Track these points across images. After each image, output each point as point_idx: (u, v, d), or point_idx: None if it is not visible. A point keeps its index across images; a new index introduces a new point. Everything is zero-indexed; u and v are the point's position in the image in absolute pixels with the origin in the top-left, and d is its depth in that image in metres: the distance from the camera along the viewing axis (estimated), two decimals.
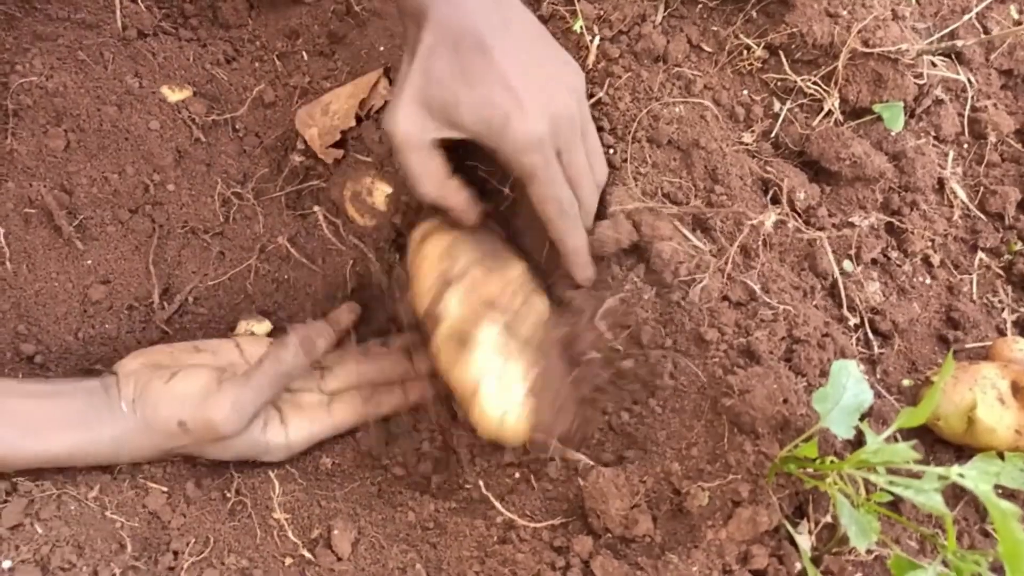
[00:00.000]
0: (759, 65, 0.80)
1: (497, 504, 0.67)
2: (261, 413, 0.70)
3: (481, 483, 0.69)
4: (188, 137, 0.82)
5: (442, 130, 0.65)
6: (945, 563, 0.54)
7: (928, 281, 0.77)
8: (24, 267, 0.77)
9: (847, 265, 0.75)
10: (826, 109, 0.79)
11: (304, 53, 0.89)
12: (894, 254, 0.76)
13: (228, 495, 0.70)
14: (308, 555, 0.66)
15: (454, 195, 0.69)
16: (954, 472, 0.49)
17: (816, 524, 0.61)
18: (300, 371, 0.72)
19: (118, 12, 0.83)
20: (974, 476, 0.49)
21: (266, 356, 0.70)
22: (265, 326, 0.83)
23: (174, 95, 0.83)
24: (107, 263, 0.79)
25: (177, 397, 0.67)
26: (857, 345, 0.71)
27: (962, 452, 0.66)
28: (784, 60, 0.79)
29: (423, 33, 0.64)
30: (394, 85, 0.68)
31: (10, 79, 0.79)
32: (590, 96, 0.80)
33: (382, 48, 0.86)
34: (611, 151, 0.75)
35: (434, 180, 0.67)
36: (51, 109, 0.79)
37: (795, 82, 0.79)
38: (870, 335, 0.72)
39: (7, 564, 0.62)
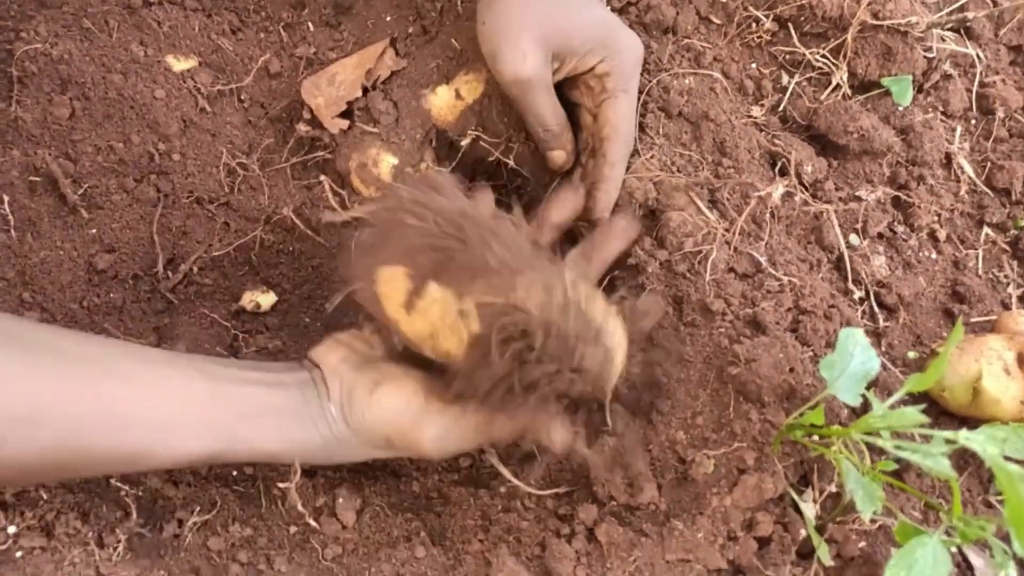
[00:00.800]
0: (768, 38, 0.80)
1: (504, 471, 0.67)
2: None
3: (487, 452, 0.69)
4: (194, 107, 0.81)
5: (555, 64, 0.70)
6: (948, 532, 0.55)
7: (934, 255, 0.76)
8: (29, 235, 0.77)
9: (853, 239, 0.75)
10: (834, 83, 0.78)
11: (310, 24, 0.88)
12: (900, 228, 0.76)
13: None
14: (313, 523, 0.66)
15: (568, 132, 0.74)
16: (962, 436, 0.49)
17: (821, 493, 0.61)
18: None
19: None
20: (981, 440, 0.49)
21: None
22: (270, 297, 0.83)
23: (179, 64, 0.83)
24: (112, 232, 0.79)
25: (384, 413, 0.60)
26: (862, 318, 0.71)
27: (967, 423, 0.66)
28: (793, 33, 0.79)
29: None
30: (493, 27, 0.69)
31: (15, 46, 0.79)
32: None
33: (388, 18, 0.85)
34: None
35: (559, 117, 0.72)
36: (56, 77, 0.79)
37: (804, 55, 0.78)
38: (875, 308, 0.72)
39: (12, 529, 0.62)
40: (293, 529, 0.67)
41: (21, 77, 0.79)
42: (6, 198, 0.76)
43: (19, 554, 0.61)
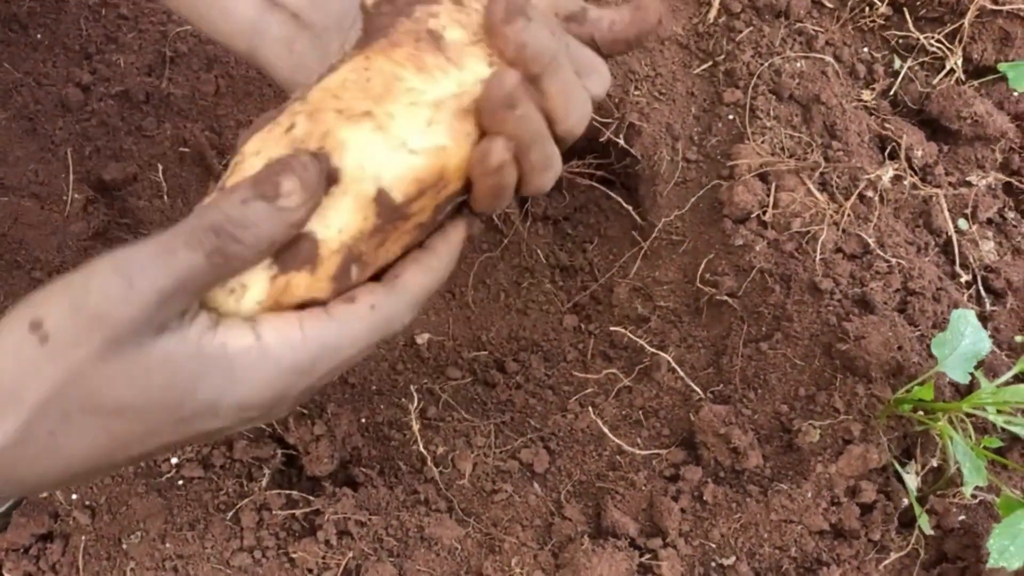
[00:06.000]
0: (881, 22, 0.81)
1: (608, 433, 0.71)
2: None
3: (591, 411, 0.74)
4: None
5: None
6: None
7: None
8: (179, 201, 0.85)
9: (962, 223, 0.76)
10: (948, 67, 0.79)
11: None
12: (1011, 214, 0.77)
13: None
14: (435, 470, 0.72)
15: None
16: None
17: (923, 467, 0.63)
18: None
19: None
20: None
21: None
22: None
23: None
24: None
25: None
26: (969, 302, 0.72)
27: None
28: (908, 17, 0.80)
29: None
30: None
31: (167, 28, 0.86)
32: (708, 54, 0.83)
33: None
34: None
35: None
36: (203, 56, 0.86)
37: (918, 39, 0.79)
38: (982, 292, 0.73)
39: (175, 460, 0.70)
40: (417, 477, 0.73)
41: (173, 57, 0.86)
42: (160, 167, 0.84)
43: (180, 483, 0.69)
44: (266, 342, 0.38)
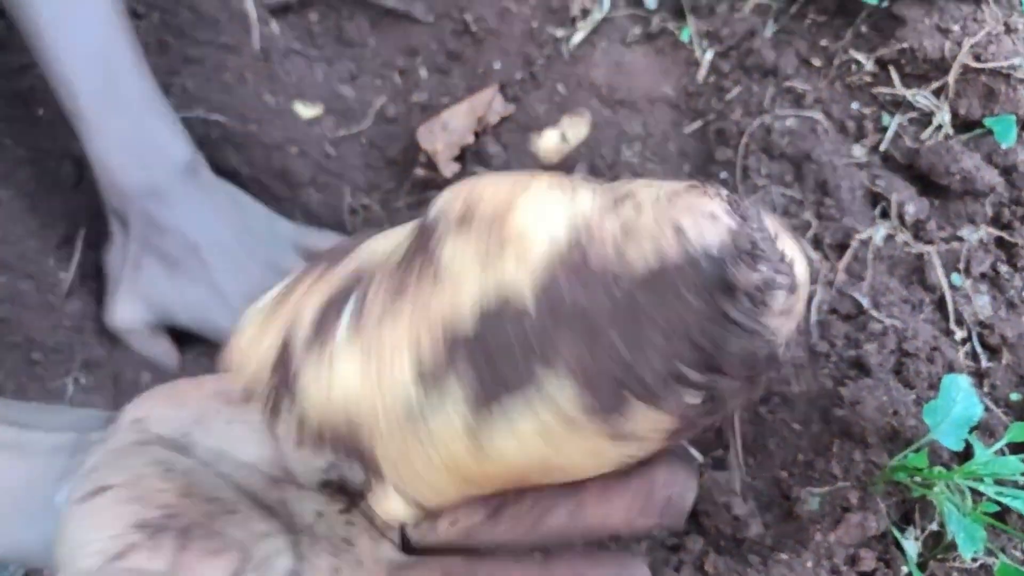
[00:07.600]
0: (868, 79, 0.82)
1: None
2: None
3: None
4: (321, 152, 0.89)
5: (160, 321, 0.78)
6: None
7: None
8: None
9: (956, 279, 0.76)
10: (936, 123, 0.80)
11: (423, 70, 0.94)
12: (1004, 268, 0.77)
13: None
14: None
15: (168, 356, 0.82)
16: None
17: (922, 531, 0.63)
18: None
19: (255, 34, 0.91)
20: None
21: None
22: None
23: (307, 111, 0.90)
24: None
25: (72, 532, 0.34)
26: (965, 359, 0.73)
27: None
28: (893, 75, 0.81)
29: (130, 240, 0.75)
30: (109, 281, 0.79)
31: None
32: (699, 113, 0.84)
33: (497, 66, 0.91)
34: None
35: (170, 357, 0.81)
36: (203, 128, 0.87)
37: (904, 96, 0.80)
38: (978, 349, 0.74)
39: None
40: None
41: None
42: None
43: None
44: None
